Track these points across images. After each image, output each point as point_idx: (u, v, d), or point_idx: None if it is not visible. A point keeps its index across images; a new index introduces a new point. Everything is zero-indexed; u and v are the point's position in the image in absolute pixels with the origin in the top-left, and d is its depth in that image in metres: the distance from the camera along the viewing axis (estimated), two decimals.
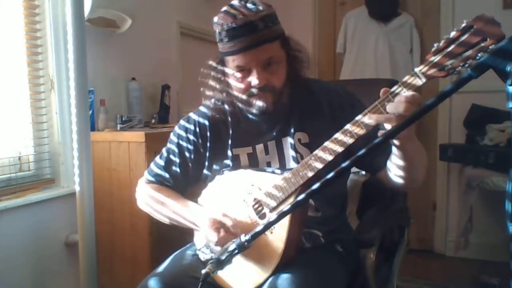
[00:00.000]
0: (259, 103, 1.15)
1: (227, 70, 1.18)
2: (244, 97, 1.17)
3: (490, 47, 0.81)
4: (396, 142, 0.98)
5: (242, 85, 1.16)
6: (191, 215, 1.22)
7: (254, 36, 1.09)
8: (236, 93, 1.19)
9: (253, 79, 1.13)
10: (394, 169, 1.09)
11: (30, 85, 1.87)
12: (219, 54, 1.18)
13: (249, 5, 1.11)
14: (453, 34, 0.86)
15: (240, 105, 1.21)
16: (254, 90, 1.14)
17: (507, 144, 2.53)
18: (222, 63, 1.19)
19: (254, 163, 1.22)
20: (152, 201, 1.31)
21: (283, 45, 1.16)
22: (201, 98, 1.31)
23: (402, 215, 1.52)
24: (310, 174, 1.04)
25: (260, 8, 1.10)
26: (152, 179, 1.34)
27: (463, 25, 0.85)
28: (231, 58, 1.13)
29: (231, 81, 1.18)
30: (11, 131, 1.82)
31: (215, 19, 1.14)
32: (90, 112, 1.93)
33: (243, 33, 1.08)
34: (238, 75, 1.15)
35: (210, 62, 1.22)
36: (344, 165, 0.74)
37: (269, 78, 1.13)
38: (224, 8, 1.14)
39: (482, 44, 0.82)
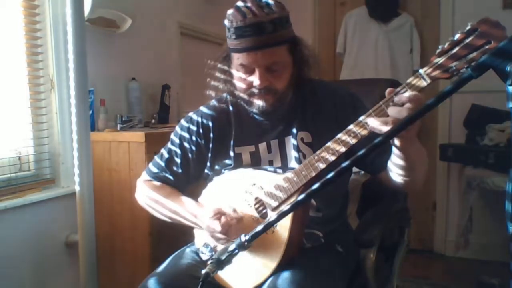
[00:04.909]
0: (259, 103, 1.16)
1: (232, 66, 1.19)
2: (245, 95, 1.17)
3: None
4: (396, 143, 0.98)
5: (244, 83, 1.16)
6: (191, 215, 1.22)
7: (260, 38, 1.08)
8: (238, 90, 1.19)
9: (255, 80, 1.13)
10: (395, 170, 1.08)
11: (30, 85, 1.87)
12: (227, 48, 1.18)
13: (262, 5, 1.09)
14: (457, 36, 0.86)
15: (241, 102, 1.22)
16: (254, 90, 1.14)
17: (507, 144, 2.53)
18: (228, 58, 1.19)
19: (256, 162, 1.22)
20: (152, 202, 1.30)
21: (290, 49, 1.15)
22: (201, 98, 1.31)
23: (402, 215, 1.51)
24: (313, 174, 1.04)
25: (273, 9, 1.09)
26: (151, 179, 1.34)
27: (468, 27, 0.85)
28: (236, 55, 1.14)
29: (234, 77, 1.19)
30: (11, 131, 1.82)
31: (226, 14, 1.13)
32: (90, 112, 1.93)
33: (249, 33, 1.08)
34: (241, 73, 1.15)
35: (217, 56, 1.22)
36: (344, 165, 0.74)
37: (272, 80, 1.13)
38: (237, 4, 1.12)
39: (487, 47, 0.83)
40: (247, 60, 1.12)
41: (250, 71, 1.14)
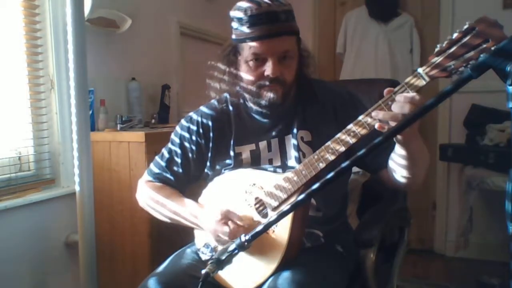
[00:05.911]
0: (269, 94, 1.15)
1: (240, 58, 1.17)
2: (253, 87, 1.17)
3: (492, 48, 0.82)
4: (399, 137, 0.98)
5: (254, 74, 1.15)
6: (192, 216, 1.22)
7: (275, 26, 1.10)
8: (245, 83, 1.18)
9: (268, 69, 1.12)
10: (396, 167, 1.09)
11: (30, 85, 1.87)
12: (233, 42, 1.18)
13: None
14: (455, 35, 0.87)
15: (247, 96, 1.21)
16: (265, 81, 1.14)
17: (507, 144, 2.53)
18: (234, 51, 1.19)
19: (256, 160, 1.23)
20: (152, 202, 1.30)
21: (298, 42, 1.17)
22: (201, 98, 1.30)
23: (402, 215, 1.52)
24: (313, 173, 1.04)
25: (283, 2, 1.12)
26: (152, 179, 1.34)
27: (466, 26, 0.85)
28: (248, 45, 1.13)
29: (242, 70, 1.18)
30: (11, 131, 1.81)
31: (236, 6, 1.14)
32: (90, 112, 1.93)
33: (265, 21, 1.09)
34: (252, 63, 1.14)
35: (220, 52, 1.22)
36: (344, 164, 0.74)
37: (283, 71, 1.14)
38: None
39: (484, 46, 0.83)
40: (261, 49, 1.11)
41: (261, 61, 1.13)
